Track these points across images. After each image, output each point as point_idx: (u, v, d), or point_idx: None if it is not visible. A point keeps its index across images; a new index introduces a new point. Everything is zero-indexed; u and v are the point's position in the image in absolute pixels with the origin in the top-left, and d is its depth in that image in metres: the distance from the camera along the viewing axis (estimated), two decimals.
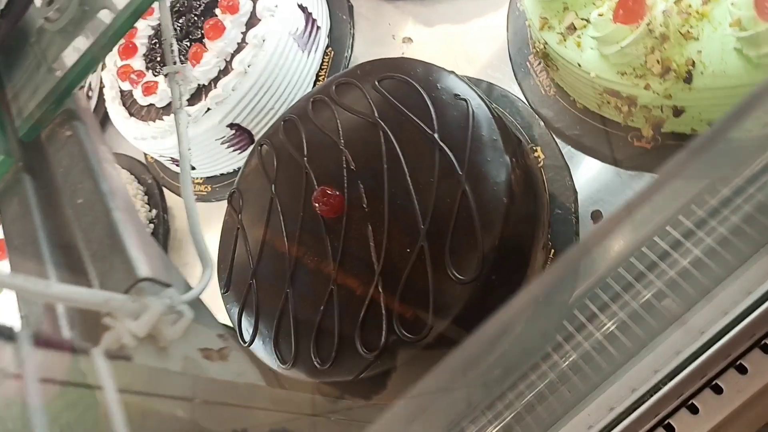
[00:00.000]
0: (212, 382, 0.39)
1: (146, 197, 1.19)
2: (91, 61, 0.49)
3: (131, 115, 1.10)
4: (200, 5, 1.06)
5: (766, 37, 0.55)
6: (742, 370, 0.57)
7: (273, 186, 0.83)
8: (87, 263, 0.38)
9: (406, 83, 0.77)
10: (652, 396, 0.59)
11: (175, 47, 0.70)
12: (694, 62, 0.59)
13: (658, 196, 0.60)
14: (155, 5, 0.70)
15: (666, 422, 0.59)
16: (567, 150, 0.77)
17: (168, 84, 0.69)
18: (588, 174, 0.76)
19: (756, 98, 0.43)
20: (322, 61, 1.08)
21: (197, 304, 0.49)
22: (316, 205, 0.74)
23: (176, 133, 1.01)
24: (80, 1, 0.51)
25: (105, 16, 0.51)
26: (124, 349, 0.35)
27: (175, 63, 0.70)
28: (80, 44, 0.50)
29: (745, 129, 0.63)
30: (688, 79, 0.59)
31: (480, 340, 0.59)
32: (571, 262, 0.66)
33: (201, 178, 1.14)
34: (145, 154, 1.25)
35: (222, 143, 1.04)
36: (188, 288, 0.46)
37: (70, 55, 0.50)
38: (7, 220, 0.46)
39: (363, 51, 1.09)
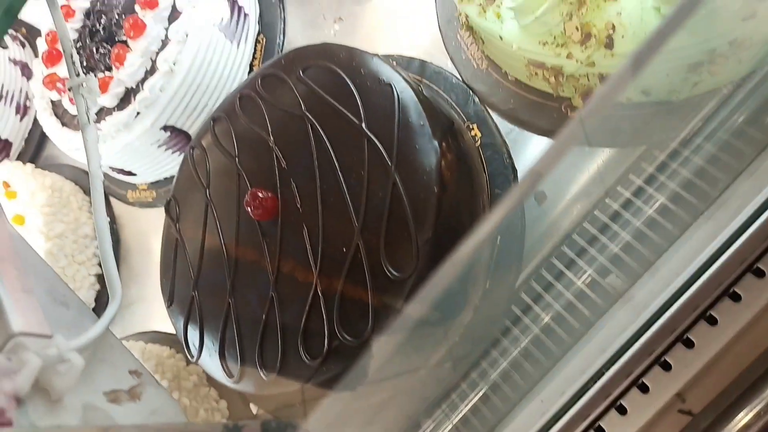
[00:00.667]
0: (119, 429, 0.37)
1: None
2: None
3: (64, 124, 1.05)
4: (119, 3, 1.01)
5: None
6: (689, 344, 0.56)
7: (207, 191, 0.79)
8: None
9: (330, 71, 0.73)
10: (601, 377, 0.58)
11: (77, 58, 0.66)
12: (614, 26, 0.56)
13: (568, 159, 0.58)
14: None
15: (618, 403, 0.57)
16: (505, 126, 0.74)
17: (73, 97, 0.65)
18: (527, 150, 0.73)
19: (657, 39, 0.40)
20: (255, 50, 1.03)
21: (105, 341, 0.46)
22: (249, 208, 0.71)
23: (111, 142, 0.97)
24: None
25: None
26: (3, 415, 0.32)
27: (78, 75, 0.66)
28: None
29: (674, 91, 0.60)
30: (608, 44, 0.56)
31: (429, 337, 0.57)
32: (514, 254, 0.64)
33: (145, 184, 1.10)
34: None
35: (159, 146, 1.00)
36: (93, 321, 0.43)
37: None
38: None
39: (296, 34, 1.04)
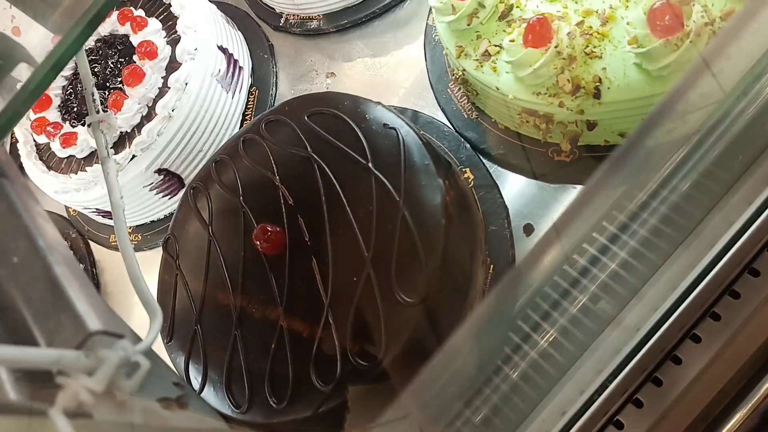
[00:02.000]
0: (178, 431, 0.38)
1: (71, 252, 1.14)
2: (13, 115, 0.47)
3: (50, 168, 1.06)
4: (115, 53, 1.04)
5: (661, 52, 0.60)
6: (677, 361, 0.61)
7: (210, 228, 0.82)
8: (30, 323, 0.37)
9: (335, 116, 0.78)
10: (599, 396, 0.62)
11: (97, 96, 0.69)
12: (600, 79, 0.64)
13: (583, 208, 0.64)
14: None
15: (615, 419, 0.62)
16: (494, 169, 0.81)
17: (92, 134, 0.67)
18: (516, 190, 0.80)
19: (656, 115, 0.48)
20: (248, 101, 1.08)
21: (149, 354, 0.47)
22: (258, 242, 0.73)
23: (103, 183, 0.98)
24: None
25: (23, 70, 0.50)
26: (83, 407, 0.33)
27: (98, 112, 0.68)
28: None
29: (653, 138, 0.68)
30: (596, 94, 0.64)
31: (436, 365, 0.61)
32: (511, 284, 0.69)
33: (130, 227, 1.10)
34: (67, 208, 1.20)
35: (150, 189, 1.02)
36: (137, 338, 0.45)
37: None
38: None
39: (288, 88, 1.10)
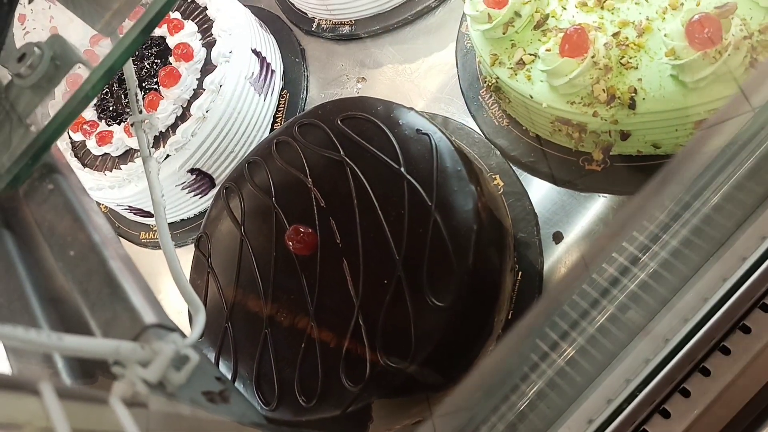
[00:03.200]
0: (222, 424, 0.39)
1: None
2: (69, 116, 0.49)
3: (84, 165, 1.08)
4: (152, 54, 1.07)
5: (699, 65, 0.60)
6: (706, 372, 0.61)
7: (242, 228, 0.83)
8: (86, 314, 0.38)
9: (368, 121, 0.80)
10: (627, 405, 0.63)
11: (140, 97, 0.71)
12: (636, 89, 0.65)
13: (617, 220, 0.65)
14: None
15: (642, 429, 0.62)
16: (524, 176, 0.81)
17: (134, 133, 0.69)
18: (545, 197, 0.80)
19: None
20: (278, 103, 1.10)
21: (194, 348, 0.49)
22: (290, 243, 0.75)
23: (137, 182, 1.01)
24: (52, 56, 0.52)
25: (80, 72, 0.51)
26: (138, 397, 0.35)
27: (141, 111, 0.70)
28: (54, 100, 0.51)
29: (681, 146, 0.68)
30: (631, 105, 0.64)
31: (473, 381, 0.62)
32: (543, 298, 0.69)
33: None
34: (98, 204, 1.23)
35: (183, 188, 1.04)
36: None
37: (45, 111, 0.50)
38: None
39: (318, 92, 1.12)
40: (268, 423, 0.47)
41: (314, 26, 1.14)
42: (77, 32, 1.11)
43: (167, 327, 0.39)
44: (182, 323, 0.51)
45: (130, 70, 0.70)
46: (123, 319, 0.37)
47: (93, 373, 0.46)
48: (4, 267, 0.45)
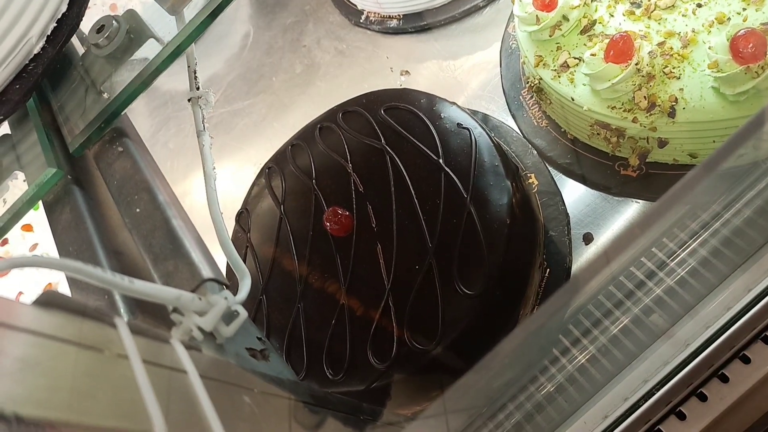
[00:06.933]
0: (263, 377, 0.43)
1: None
2: (141, 86, 0.53)
3: None
4: None
5: (741, 78, 0.62)
6: (724, 379, 0.63)
7: (282, 207, 0.87)
8: (149, 266, 0.42)
9: (411, 112, 0.83)
10: (643, 404, 0.64)
11: (197, 74, 0.75)
12: (676, 98, 0.66)
13: (647, 225, 0.66)
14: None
15: (656, 428, 0.64)
16: (558, 177, 0.83)
17: (191, 108, 0.73)
18: (578, 199, 0.82)
19: (740, 137, 0.50)
20: None
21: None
22: (327, 224, 0.78)
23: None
24: (128, 30, 0.56)
25: (152, 46, 0.55)
26: (193, 341, 0.38)
27: (198, 88, 0.74)
28: (128, 70, 0.55)
29: (725, 162, 0.69)
30: (671, 113, 0.66)
31: (491, 361, 0.64)
32: (567, 291, 0.71)
33: None
34: None
35: None
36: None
37: (119, 80, 0.54)
38: (58, 229, 0.49)
39: (361, 82, 1.15)
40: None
41: (363, 18, 1.17)
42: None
43: (222, 282, 0.42)
44: None
45: (191, 46, 0.74)
46: (183, 272, 0.41)
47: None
48: (75, 220, 0.49)
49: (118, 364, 0.30)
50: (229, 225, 0.92)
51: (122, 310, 0.43)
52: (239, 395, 0.37)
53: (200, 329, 0.40)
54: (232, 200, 1.03)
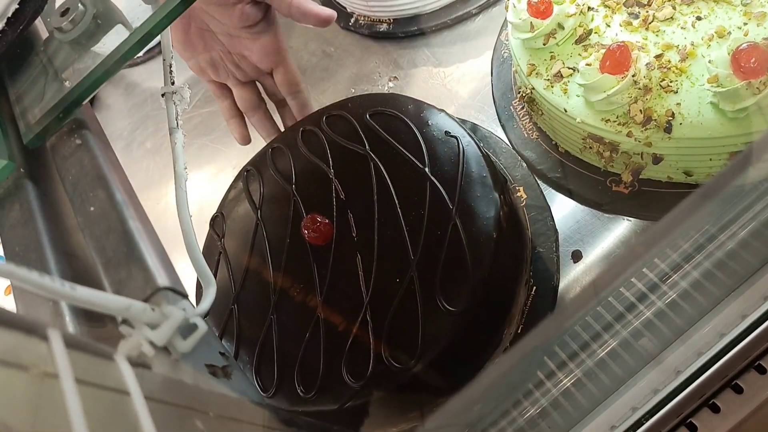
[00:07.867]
0: (222, 398, 0.39)
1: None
2: (104, 74, 0.49)
3: None
4: None
5: (741, 94, 0.59)
6: (716, 409, 0.60)
7: (259, 212, 0.83)
8: (100, 271, 0.38)
9: (397, 118, 0.79)
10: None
11: (174, 67, 0.71)
12: (673, 113, 0.63)
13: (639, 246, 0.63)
14: None
15: None
16: (548, 191, 0.80)
17: (164, 104, 0.69)
18: (567, 214, 0.79)
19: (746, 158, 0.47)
20: None
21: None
22: (306, 232, 0.74)
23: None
24: (95, 14, 0.52)
25: (119, 32, 0.51)
26: (142, 358, 0.34)
27: (172, 83, 0.70)
28: (92, 57, 0.51)
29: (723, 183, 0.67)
30: (668, 128, 0.63)
31: (473, 391, 0.60)
32: (564, 318, 0.68)
33: None
34: None
35: None
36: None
37: (82, 67, 0.50)
38: (6, 226, 0.45)
39: (349, 86, 1.11)
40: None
41: (352, 21, 1.14)
42: None
43: (179, 292, 0.38)
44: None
45: (167, 38, 0.70)
46: (137, 279, 0.37)
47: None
48: (23, 218, 0.45)
49: (45, 384, 0.26)
50: (206, 229, 0.88)
51: (68, 322, 0.39)
52: (190, 420, 0.33)
53: (152, 344, 0.35)
54: (209, 204, 0.99)
